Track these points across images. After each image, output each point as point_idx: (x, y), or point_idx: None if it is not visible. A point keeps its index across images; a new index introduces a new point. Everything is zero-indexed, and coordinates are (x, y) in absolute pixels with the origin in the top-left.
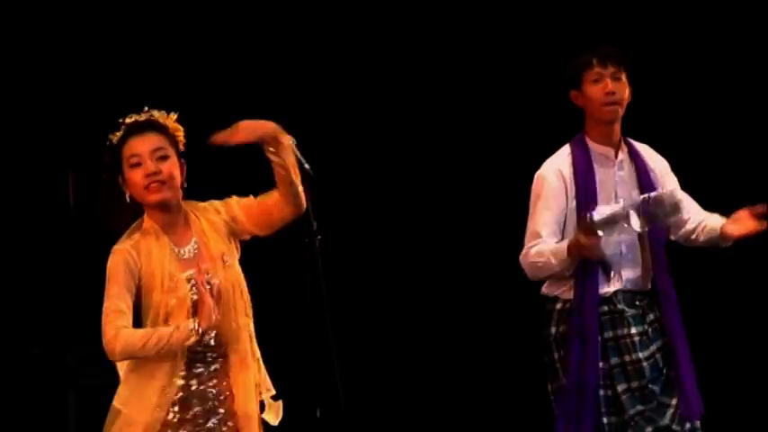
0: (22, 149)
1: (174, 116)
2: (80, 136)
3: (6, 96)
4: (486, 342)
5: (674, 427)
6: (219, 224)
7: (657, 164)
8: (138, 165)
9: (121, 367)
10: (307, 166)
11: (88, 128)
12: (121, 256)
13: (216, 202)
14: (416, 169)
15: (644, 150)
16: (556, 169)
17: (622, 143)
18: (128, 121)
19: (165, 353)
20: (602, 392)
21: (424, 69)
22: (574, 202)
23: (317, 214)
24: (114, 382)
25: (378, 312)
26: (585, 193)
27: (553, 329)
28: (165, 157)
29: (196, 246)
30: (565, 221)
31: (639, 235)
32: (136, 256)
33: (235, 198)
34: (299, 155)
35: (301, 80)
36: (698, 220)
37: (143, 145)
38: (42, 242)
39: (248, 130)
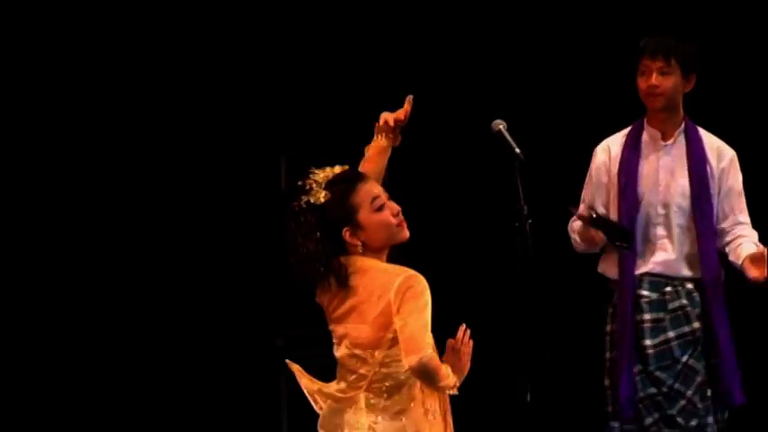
0: (238, 138)
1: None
2: (291, 123)
3: (225, 89)
4: None
5: (678, 419)
6: None
7: (721, 158)
8: (383, 206)
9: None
10: (518, 150)
11: (298, 116)
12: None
13: None
14: None
15: (708, 141)
16: (605, 146)
17: (681, 130)
18: (323, 178)
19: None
20: None
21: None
22: (616, 179)
23: (528, 199)
24: (324, 365)
25: (587, 297)
26: (627, 172)
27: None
28: (389, 198)
29: None
30: (609, 197)
31: (685, 221)
32: None
33: None
34: (509, 139)
35: (518, 70)
36: (736, 234)
37: (376, 187)
38: (255, 227)
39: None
